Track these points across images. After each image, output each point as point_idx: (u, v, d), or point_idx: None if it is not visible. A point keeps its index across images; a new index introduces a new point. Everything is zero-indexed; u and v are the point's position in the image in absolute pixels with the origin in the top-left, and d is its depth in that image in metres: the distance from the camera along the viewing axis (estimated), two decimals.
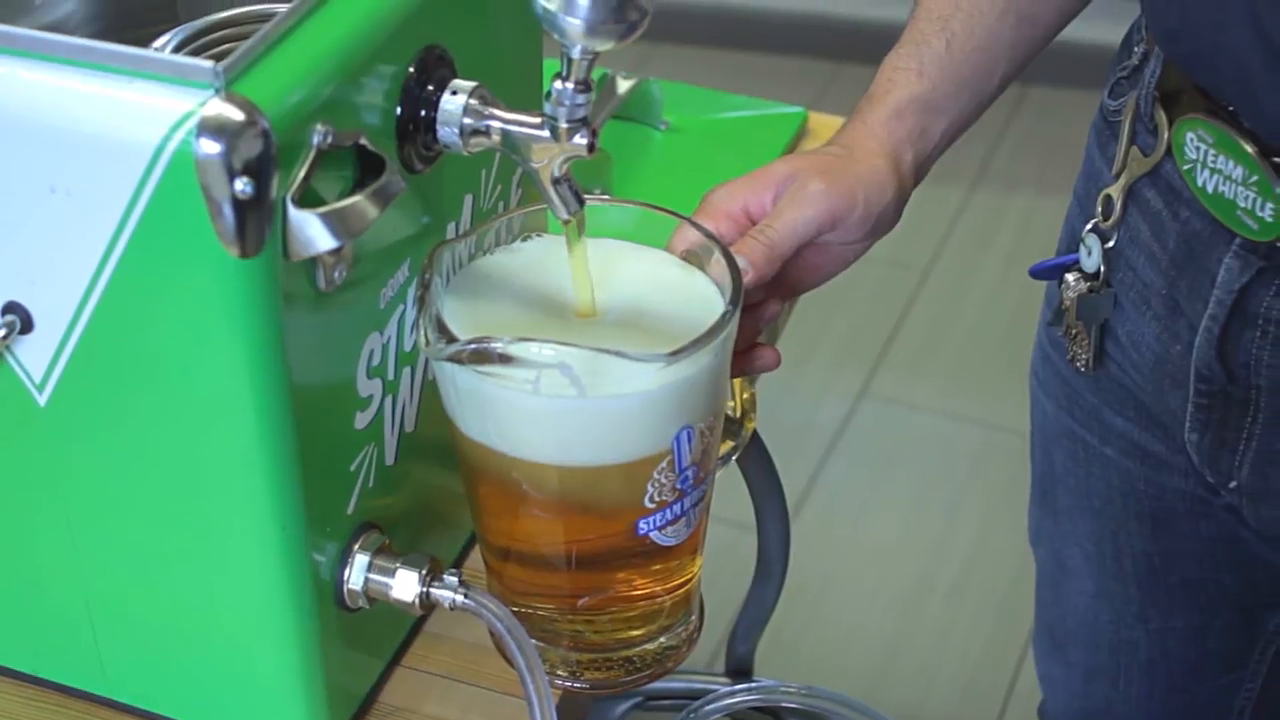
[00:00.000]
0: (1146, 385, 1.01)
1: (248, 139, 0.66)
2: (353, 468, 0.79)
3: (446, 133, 0.77)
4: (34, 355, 0.73)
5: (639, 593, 0.85)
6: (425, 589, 0.80)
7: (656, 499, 0.79)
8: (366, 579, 0.80)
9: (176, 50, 0.82)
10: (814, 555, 2.15)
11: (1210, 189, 0.90)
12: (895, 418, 2.40)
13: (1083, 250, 1.01)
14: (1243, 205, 0.88)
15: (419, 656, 0.89)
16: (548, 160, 0.77)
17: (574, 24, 0.71)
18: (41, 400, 0.75)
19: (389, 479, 0.82)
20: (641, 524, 0.80)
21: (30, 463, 0.78)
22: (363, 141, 0.72)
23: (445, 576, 0.80)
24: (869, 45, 3.13)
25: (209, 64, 0.66)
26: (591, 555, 0.83)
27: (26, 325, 0.73)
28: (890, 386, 2.44)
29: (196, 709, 0.83)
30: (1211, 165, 0.89)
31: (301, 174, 0.69)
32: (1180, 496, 1.07)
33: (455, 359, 0.75)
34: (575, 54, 0.73)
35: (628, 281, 0.83)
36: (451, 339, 0.76)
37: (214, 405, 0.72)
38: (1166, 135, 0.92)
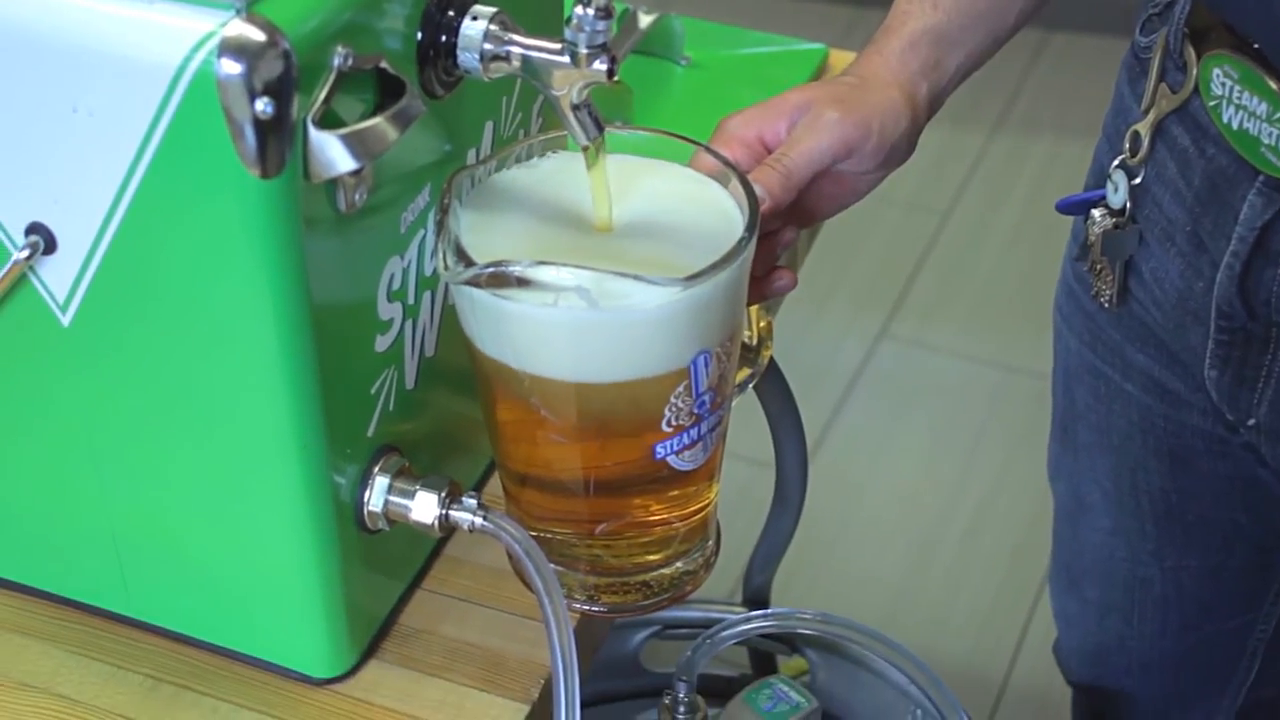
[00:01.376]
0: (1168, 322, 1.01)
1: (268, 59, 0.65)
2: (373, 390, 0.79)
3: (467, 58, 0.77)
4: (57, 276, 0.74)
5: (656, 518, 0.85)
6: (444, 511, 0.80)
7: (674, 423, 0.80)
8: (386, 501, 0.80)
9: None
10: (831, 496, 2.15)
11: (1235, 125, 0.90)
12: (914, 359, 2.39)
13: (1109, 186, 1.01)
14: (1267, 142, 0.88)
15: (438, 579, 0.89)
16: (568, 87, 0.77)
17: None
18: (65, 320, 0.75)
19: (409, 403, 0.82)
20: (659, 448, 0.80)
21: (54, 384, 0.78)
22: (383, 65, 0.72)
23: (464, 499, 0.80)
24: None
25: None
26: (609, 480, 0.84)
27: (50, 246, 0.73)
28: (909, 328, 2.44)
29: (218, 628, 0.84)
30: (1237, 101, 0.89)
31: (322, 95, 0.69)
32: (1199, 435, 1.07)
33: (473, 283, 0.75)
34: None
35: (646, 195, 0.83)
36: (470, 263, 0.76)
37: (235, 327, 0.72)
38: (1194, 72, 0.92)
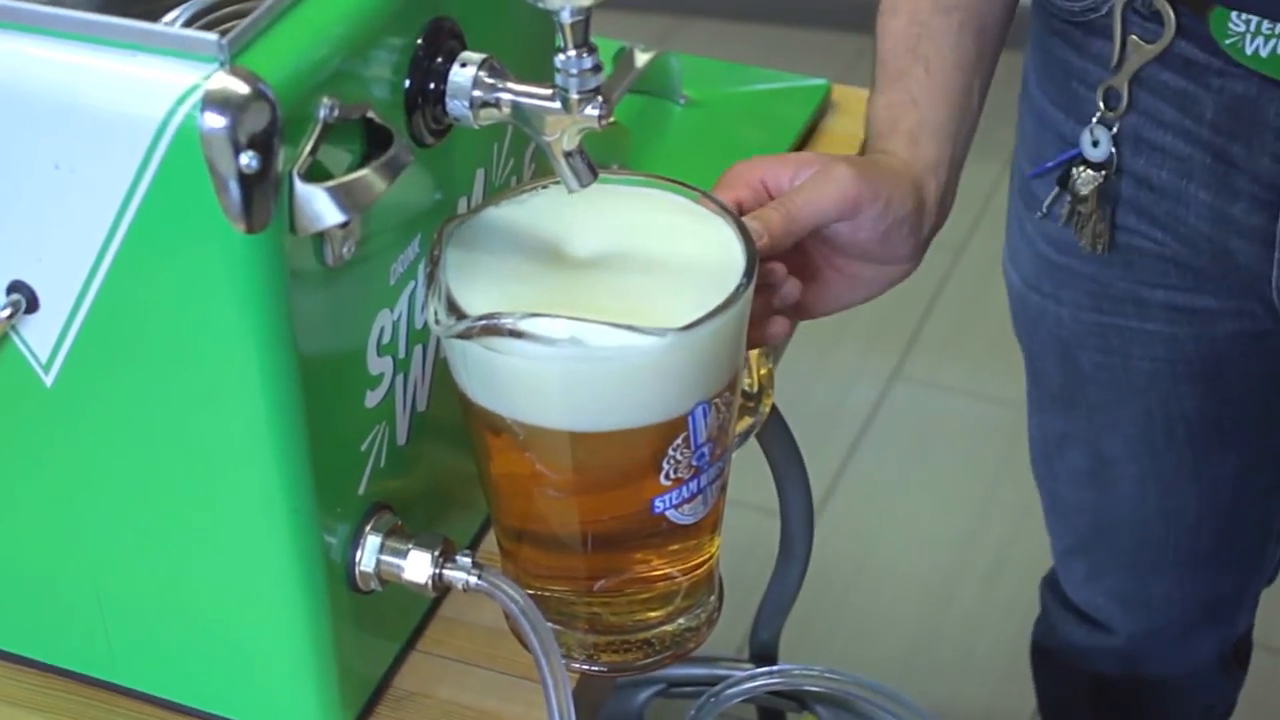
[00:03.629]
0: (1202, 250, 1.08)
1: (253, 112, 0.67)
2: (364, 447, 0.80)
3: (456, 105, 0.78)
4: (40, 335, 0.75)
5: (656, 574, 0.86)
6: (438, 570, 0.81)
7: (672, 476, 0.80)
8: (378, 560, 0.81)
9: (187, 25, 0.83)
10: (845, 542, 2.15)
11: (1265, 53, 0.97)
12: (928, 400, 2.40)
13: (1086, 144, 1.08)
14: None
15: (434, 640, 0.90)
16: (559, 133, 0.78)
17: None
18: (48, 380, 0.76)
19: (401, 459, 0.83)
20: (657, 502, 0.81)
21: (38, 445, 0.79)
22: (370, 114, 0.73)
23: (458, 557, 0.81)
24: None
25: (213, 37, 0.67)
26: (607, 535, 0.85)
27: (32, 304, 0.74)
28: (923, 368, 2.44)
29: (207, 694, 0.85)
30: (1266, 32, 0.97)
31: (308, 147, 0.70)
32: (1233, 340, 1.15)
33: (465, 335, 0.76)
34: (566, 18, 0.74)
35: (644, 229, 0.84)
36: (461, 316, 0.77)
37: (222, 384, 0.73)
38: (1174, 20, 1.00)
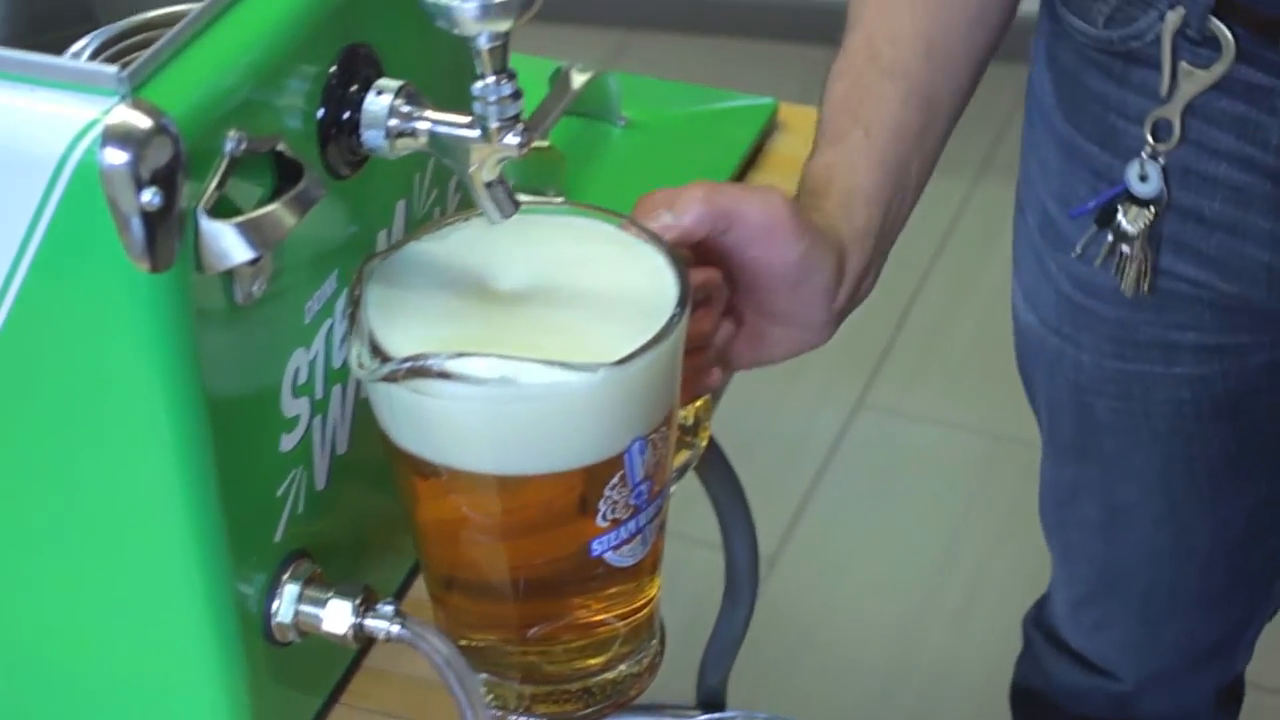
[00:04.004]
0: (1259, 280, 1.09)
1: (155, 147, 0.68)
2: (279, 493, 0.81)
3: (371, 135, 0.79)
4: None
5: (595, 619, 0.87)
6: (359, 620, 0.82)
7: (610, 516, 0.82)
8: (296, 610, 0.82)
9: (94, 56, 0.84)
10: (809, 577, 2.17)
11: None
12: (894, 430, 2.42)
13: (1133, 179, 1.07)
14: None
15: (359, 693, 0.91)
16: (479, 163, 0.79)
17: (467, 10, 0.73)
18: None
19: (320, 504, 0.84)
20: (595, 544, 0.82)
21: None
22: (279, 147, 0.74)
23: (380, 606, 0.82)
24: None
25: (113, 69, 0.68)
26: (542, 581, 0.85)
27: None
28: (888, 397, 2.46)
29: None
30: None
31: (214, 182, 0.71)
32: (1264, 370, 1.17)
33: (390, 379, 0.78)
34: (483, 44, 0.75)
35: (571, 260, 0.85)
36: (385, 358, 0.78)
37: (128, 428, 0.74)
38: (1234, 45, 0.99)
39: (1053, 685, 1.46)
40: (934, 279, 2.66)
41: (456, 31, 0.75)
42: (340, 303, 0.82)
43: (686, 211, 0.87)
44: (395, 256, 0.84)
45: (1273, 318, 1.12)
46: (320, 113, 0.78)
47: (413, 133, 0.79)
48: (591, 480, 0.81)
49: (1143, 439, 1.22)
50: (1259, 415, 1.21)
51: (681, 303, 0.81)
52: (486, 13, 0.74)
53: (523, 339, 0.80)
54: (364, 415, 0.86)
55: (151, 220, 0.68)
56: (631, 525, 0.83)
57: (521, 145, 0.78)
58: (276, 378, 0.79)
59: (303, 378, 0.81)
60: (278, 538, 0.82)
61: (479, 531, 0.83)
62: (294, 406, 0.81)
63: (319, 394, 0.82)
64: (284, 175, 0.74)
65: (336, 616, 0.82)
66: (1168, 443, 1.22)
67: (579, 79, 1.28)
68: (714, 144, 1.27)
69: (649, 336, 0.79)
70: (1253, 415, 1.21)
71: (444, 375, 0.77)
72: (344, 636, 0.82)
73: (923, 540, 2.26)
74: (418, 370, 0.77)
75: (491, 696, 0.87)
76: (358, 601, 0.82)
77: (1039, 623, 1.47)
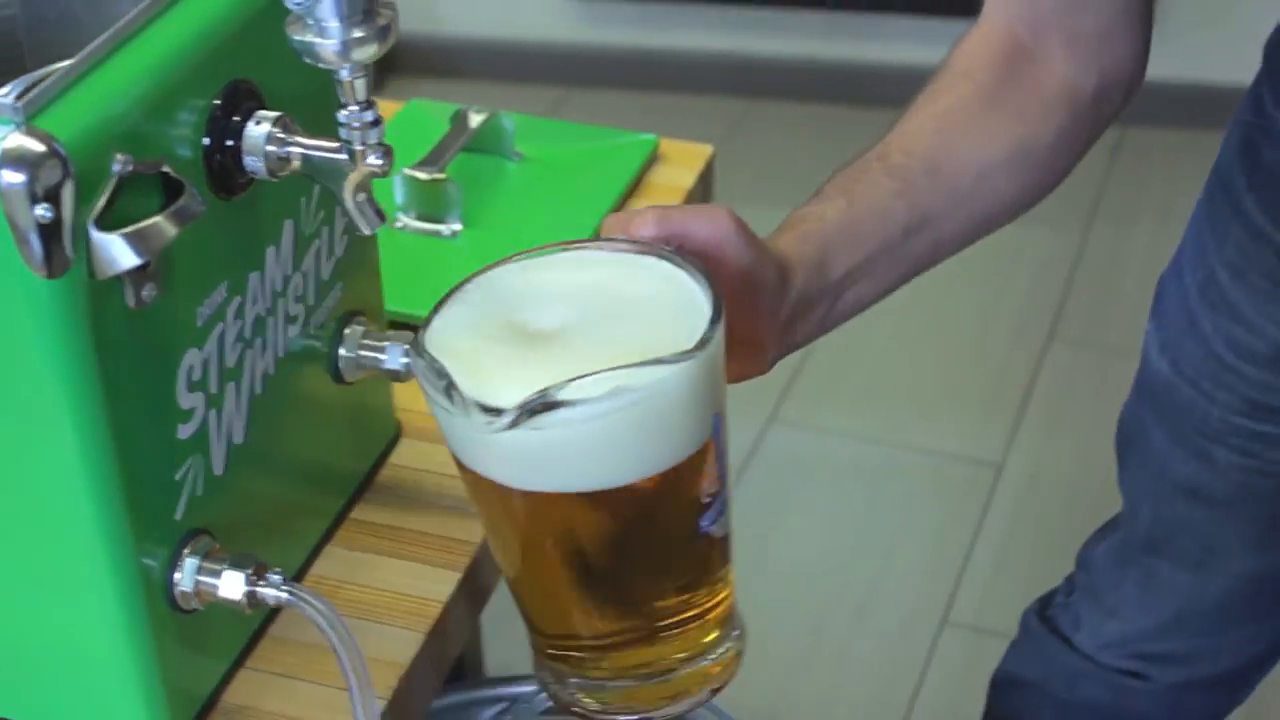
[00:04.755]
0: None
1: (47, 169, 0.72)
2: (178, 477, 0.85)
3: (252, 161, 0.83)
4: None
5: (706, 603, 0.88)
6: (251, 588, 0.86)
7: (709, 492, 0.83)
8: (196, 581, 0.86)
9: (20, 96, 0.88)
10: None
11: None
12: (805, 442, 2.46)
13: None
14: None
15: (262, 658, 0.94)
16: (348, 182, 0.84)
17: (329, 46, 0.78)
18: None
19: (219, 488, 0.88)
20: (703, 522, 0.83)
21: None
22: (165, 169, 0.78)
23: (270, 575, 0.86)
24: (782, 82, 3.23)
25: (9, 100, 0.73)
26: (658, 571, 0.86)
27: None
28: (799, 412, 2.50)
29: (37, 711, 0.89)
30: None
31: (104, 199, 0.75)
32: None
33: (515, 425, 0.77)
34: (345, 75, 0.79)
35: (590, 285, 0.86)
36: (497, 412, 0.77)
37: (37, 422, 0.78)
38: None
39: (1052, 669, 1.42)
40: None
41: (322, 66, 0.80)
42: (232, 308, 0.86)
43: (641, 232, 0.87)
44: (436, 323, 0.84)
45: None
46: (206, 140, 0.82)
47: (288, 157, 0.83)
48: (694, 465, 0.82)
49: (1253, 493, 1.22)
50: None
51: (714, 290, 0.82)
52: (346, 49, 0.78)
53: (589, 359, 0.79)
54: (260, 408, 0.90)
55: (46, 233, 0.73)
56: (723, 497, 0.84)
57: (384, 166, 0.83)
58: (171, 374, 0.83)
59: (196, 375, 0.85)
60: (178, 516, 0.85)
61: (602, 545, 0.84)
62: (189, 400, 0.85)
63: (213, 389, 0.86)
64: (169, 193, 0.79)
65: (231, 584, 0.86)
66: (1274, 501, 1.22)
67: (476, 119, 1.32)
68: (600, 175, 1.32)
69: (701, 327, 0.80)
70: None
71: (561, 404, 0.76)
72: (239, 602, 0.86)
73: (828, 545, 2.31)
74: (539, 408, 0.76)
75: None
76: (250, 571, 0.86)
77: (1044, 617, 1.43)
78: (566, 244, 0.88)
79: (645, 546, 0.85)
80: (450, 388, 0.78)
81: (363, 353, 0.98)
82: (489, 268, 0.86)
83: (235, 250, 0.87)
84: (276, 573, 0.86)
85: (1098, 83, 1.03)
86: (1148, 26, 1.05)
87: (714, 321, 0.80)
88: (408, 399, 1.08)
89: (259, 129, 0.83)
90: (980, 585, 2.21)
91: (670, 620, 0.87)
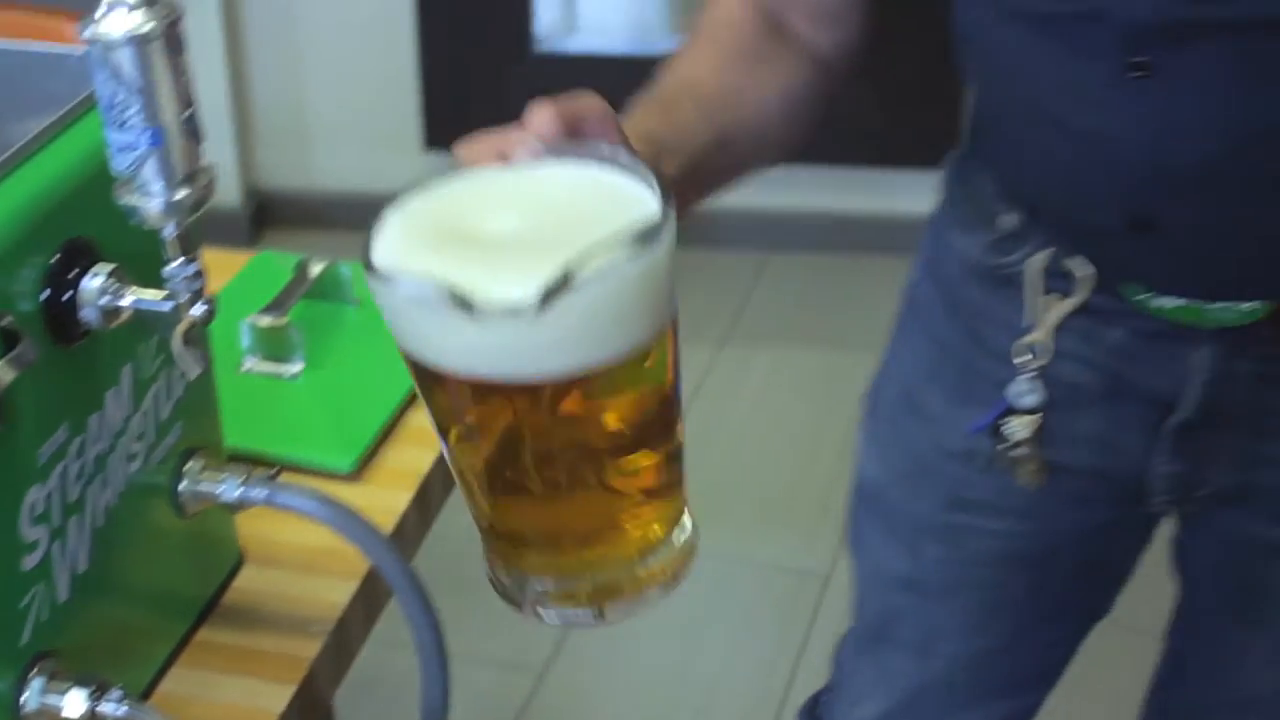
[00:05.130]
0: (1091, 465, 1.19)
1: None
2: (22, 605, 0.88)
3: (87, 312, 0.88)
4: None
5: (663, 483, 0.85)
6: (92, 705, 0.89)
7: (677, 371, 0.82)
8: (41, 701, 0.89)
9: None
10: (565, 696, 2.23)
11: (1169, 306, 1.09)
12: None
13: (1017, 394, 1.17)
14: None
15: None
16: (176, 330, 0.89)
17: (153, 208, 0.83)
18: None
19: (64, 612, 0.91)
20: (675, 403, 0.82)
21: None
22: (4, 322, 0.83)
23: (111, 691, 0.89)
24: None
25: None
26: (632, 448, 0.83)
27: None
28: None
29: None
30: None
31: None
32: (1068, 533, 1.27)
33: (545, 308, 0.72)
34: (169, 233, 0.85)
35: (543, 197, 0.82)
36: (516, 308, 0.72)
37: None
38: (1090, 283, 1.11)
39: None
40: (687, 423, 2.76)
41: (148, 225, 0.85)
42: (73, 447, 0.90)
43: (545, 121, 0.84)
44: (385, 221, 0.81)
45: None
46: (45, 294, 0.87)
47: (119, 309, 0.88)
48: (673, 337, 0.80)
49: (961, 583, 1.30)
50: (1065, 566, 1.28)
51: (662, 188, 0.79)
52: (167, 210, 0.84)
53: (557, 256, 0.74)
54: (103, 537, 0.94)
55: None
56: (681, 388, 0.83)
57: (208, 314, 0.88)
58: (15, 509, 0.87)
59: (39, 509, 0.88)
60: (25, 640, 0.89)
61: (585, 428, 0.80)
62: (33, 533, 0.88)
63: (56, 522, 0.90)
64: (7, 343, 0.83)
65: (74, 703, 0.89)
66: (982, 591, 1.30)
67: (316, 268, 1.37)
68: None
69: (654, 212, 0.77)
70: (1059, 565, 1.28)
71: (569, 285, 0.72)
72: None
73: (666, 651, 2.35)
74: (561, 283, 0.72)
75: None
76: (92, 689, 0.89)
77: (814, 716, 1.50)
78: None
79: (628, 424, 0.82)
80: (455, 295, 0.72)
81: (201, 486, 1.02)
82: (428, 183, 0.83)
83: (76, 393, 0.92)
84: (118, 689, 0.90)
85: (831, 51, 1.14)
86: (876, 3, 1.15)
87: (666, 214, 0.77)
88: (250, 526, 1.12)
89: (94, 282, 0.88)
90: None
91: (634, 509, 0.85)
